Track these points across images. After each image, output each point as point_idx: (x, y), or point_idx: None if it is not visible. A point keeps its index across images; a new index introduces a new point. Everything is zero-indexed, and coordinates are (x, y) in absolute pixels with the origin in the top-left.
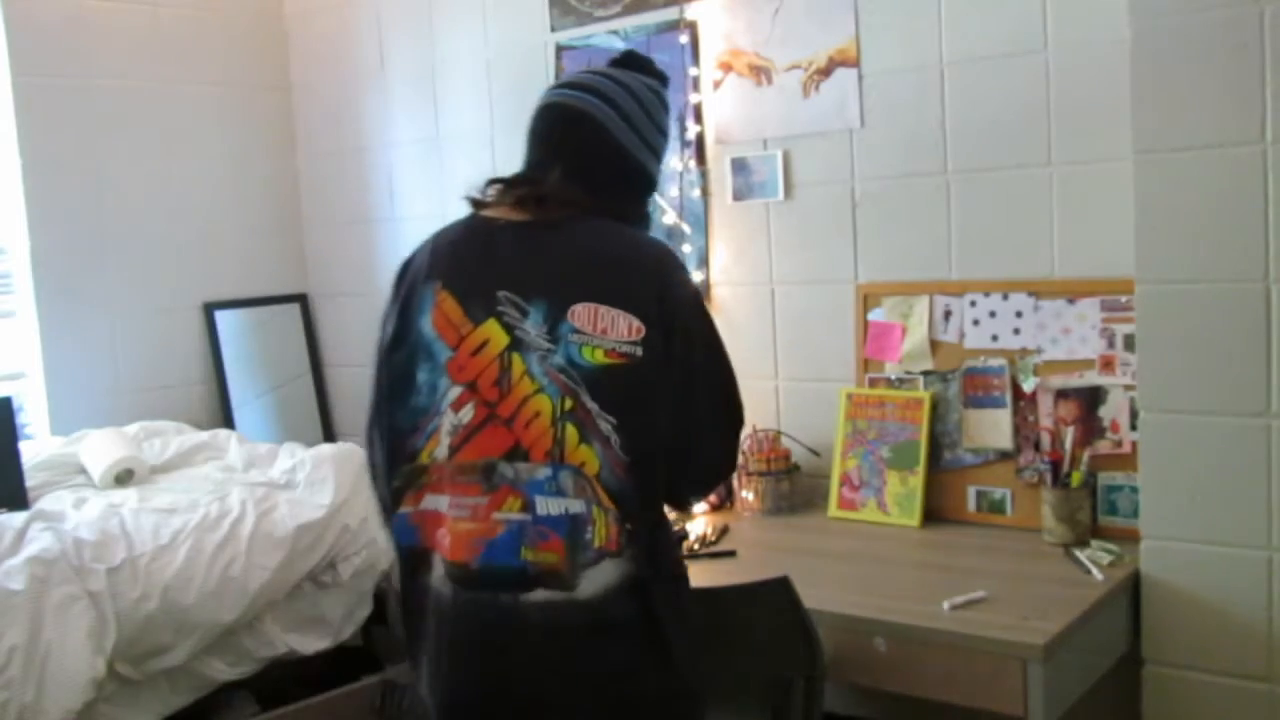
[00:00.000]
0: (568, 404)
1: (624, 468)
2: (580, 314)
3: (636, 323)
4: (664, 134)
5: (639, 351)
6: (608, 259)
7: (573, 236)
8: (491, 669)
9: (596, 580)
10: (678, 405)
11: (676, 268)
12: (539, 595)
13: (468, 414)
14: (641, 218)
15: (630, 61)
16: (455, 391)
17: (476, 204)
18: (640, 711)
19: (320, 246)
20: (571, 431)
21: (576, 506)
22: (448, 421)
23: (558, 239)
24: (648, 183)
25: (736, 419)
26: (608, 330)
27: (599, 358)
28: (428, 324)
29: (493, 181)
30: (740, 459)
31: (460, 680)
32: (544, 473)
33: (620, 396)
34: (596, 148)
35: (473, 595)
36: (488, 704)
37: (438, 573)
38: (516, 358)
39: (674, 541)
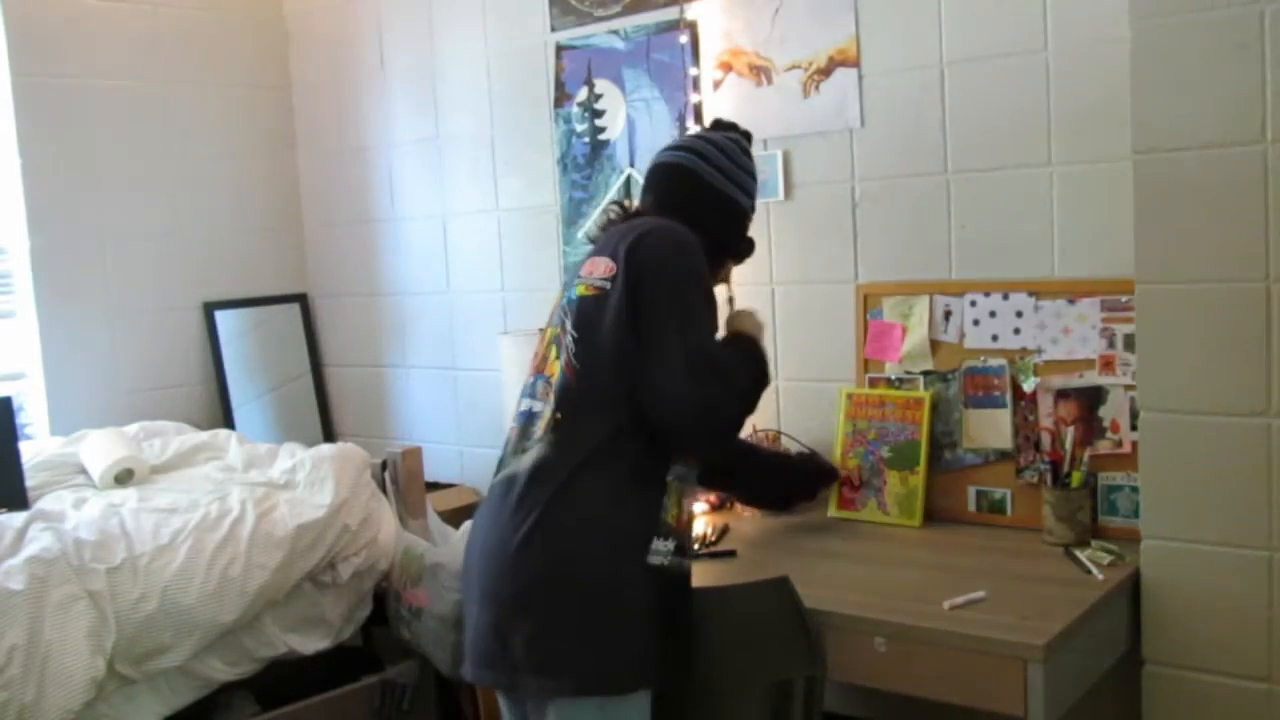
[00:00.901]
0: (557, 330)
1: (574, 372)
2: (586, 264)
3: (611, 264)
4: (749, 174)
5: (607, 286)
6: (619, 230)
7: (620, 225)
8: (473, 532)
9: (521, 461)
10: (637, 337)
11: (666, 234)
12: (497, 476)
13: (535, 348)
14: (736, 237)
15: (718, 125)
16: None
17: (593, 239)
18: (508, 586)
19: (320, 246)
20: (553, 350)
21: (537, 406)
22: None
23: (612, 229)
24: (738, 210)
25: (691, 357)
26: (593, 271)
27: (582, 290)
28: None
29: (607, 217)
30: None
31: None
32: (530, 380)
33: (585, 319)
34: (687, 186)
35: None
36: (467, 558)
37: None
38: (556, 309)
39: (627, 482)
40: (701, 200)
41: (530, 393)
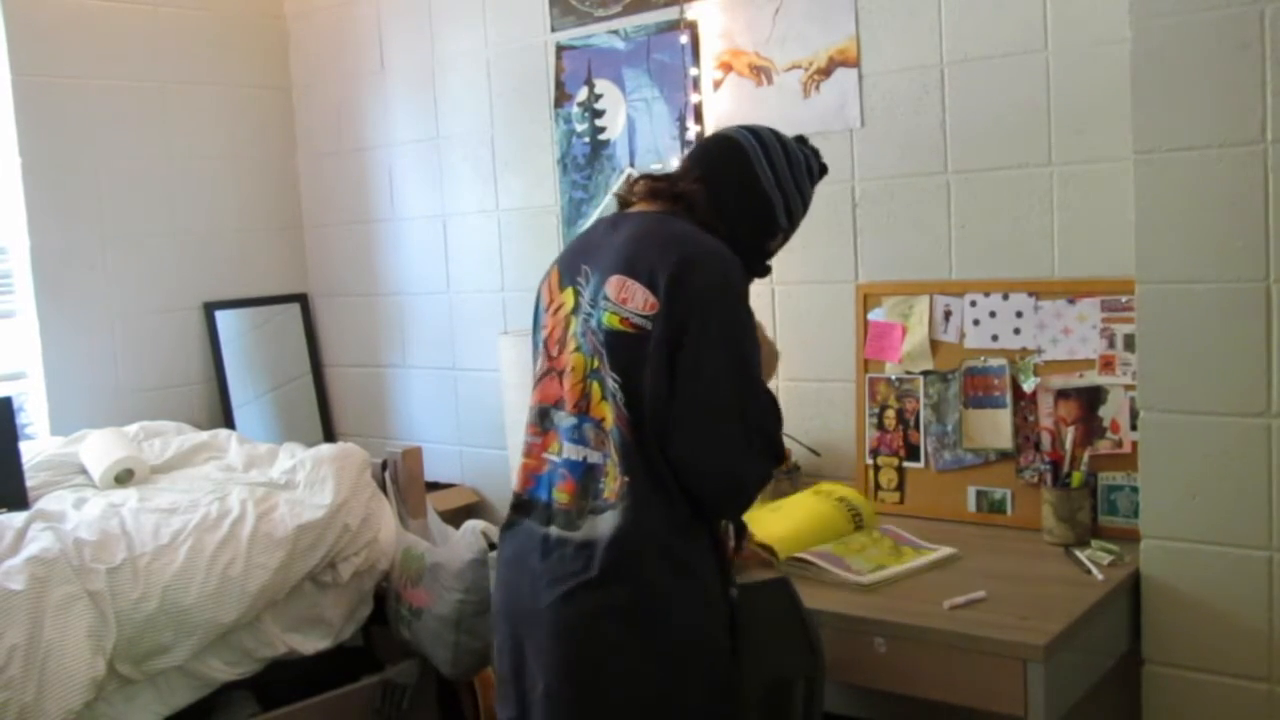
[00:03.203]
0: (594, 363)
1: (627, 424)
2: (613, 284)
3: (650, 298)
4: (801, 195)
5: (648, 325)
6: (653, 240)
7: (646, 222)
8: (515, 585)
9: (597, 528)
10: (674, 389)
11: (713, 261)
12: (553, 530)
13: (541, 365)
14: (753, 247)
15: (802, 140)
16: (540, 346)
17: (623, 201)
18: (595, 668)
19: (320, 246)
20: (596, 388)
21: (595, 457)
22: (534, 370)
23: (636, 222)
24: (769, 219)
25: (727, 426)
26: (628, 300)
27: (614, 323)
28: (541, 292)
29: (641, 177)
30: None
31: (500, 592)
32: (571, 422)
33: (624, 361)
34: (734, 170)
35: (516, 520)
36: (509, 614)
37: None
38: (573, 320)
39: (692, 540)
40: (744, 197)
41: (578, 437)
